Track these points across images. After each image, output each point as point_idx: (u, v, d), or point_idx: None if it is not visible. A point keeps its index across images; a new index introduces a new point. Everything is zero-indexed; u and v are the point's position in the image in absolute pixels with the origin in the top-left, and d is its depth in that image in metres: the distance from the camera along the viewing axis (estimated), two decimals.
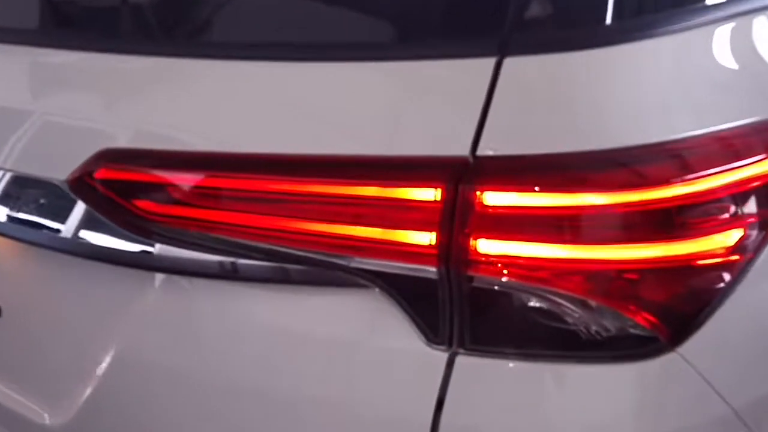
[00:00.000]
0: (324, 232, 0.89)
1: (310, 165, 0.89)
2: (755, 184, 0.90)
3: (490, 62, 0.86)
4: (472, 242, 0.84)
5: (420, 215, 0.86)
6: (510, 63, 0.85)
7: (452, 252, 0.85)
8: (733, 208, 0.88)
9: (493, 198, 0.84)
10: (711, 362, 0.88)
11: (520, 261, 0.84)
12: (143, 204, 0.96)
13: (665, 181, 0.83)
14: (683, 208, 0.85)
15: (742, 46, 0.94)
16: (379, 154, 0.88)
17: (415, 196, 0.86)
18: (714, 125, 0.88)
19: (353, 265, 0.89)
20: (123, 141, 1.01)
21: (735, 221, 0.88)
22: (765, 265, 0.90)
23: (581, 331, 0.85)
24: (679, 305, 0.87)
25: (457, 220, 0.84)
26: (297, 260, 0.90)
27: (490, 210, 0.84)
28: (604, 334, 0.86)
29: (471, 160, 0.84)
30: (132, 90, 1.04)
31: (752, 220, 0.89)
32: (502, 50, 0.86)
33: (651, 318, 0.86)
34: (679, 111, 0.88)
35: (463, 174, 0.84)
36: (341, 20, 0.95)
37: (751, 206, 0.89)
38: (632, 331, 0.86)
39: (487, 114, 0.85)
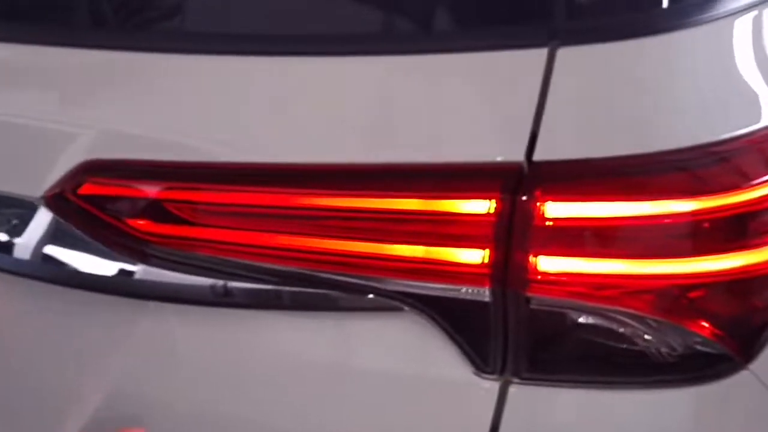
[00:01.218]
0: (358, 252, 0.78)
1: (342, 176, 0.78)
2: None
3: (541, 53, 0.75)
4: (532, 259, 0.74)
5: (470, 230, 0.75)
6: (565, 53, 0.75)
7: (509, 271, 0.74)
8: None
9: (555, 209, 0.74)
10: None
11: (587, 279, 0.75)
12: (137, 223, 0.83)
13: (744, 182, 0.75)
14: (758, 213, 0.77)
15: None
16: (421, 161, 0.77)
17: (463, 209, 0.76)
18: None
19: (390, 287, 0.78)
20: (102, 150, 0.87)
21: None
22: None
23: (651, 353, 0.76)
24: (751, 319, 0.79)
25: (515, 234, 0.74)
26: (327, 284, 0.78)
27: (552, 222, 0.74)
28: (675, 354, 0.77)
29: (526, 166, 0.74)
30: (105, 88, 0.90)
31: None
32: (553, 39, 0.75)
33: (722, 334, 0.78)
34: (743, 102, 0.80)
35: (518, 182, 0.74)
36: (364, 8, 0.83)
37: None
38: (702, 349, 0.78)
39: (542, 113, 0.75)
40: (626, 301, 0.75)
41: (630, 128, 0.76)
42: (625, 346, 0.77)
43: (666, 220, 0.74)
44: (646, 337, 0.76)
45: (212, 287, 0.82)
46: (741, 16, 0.81)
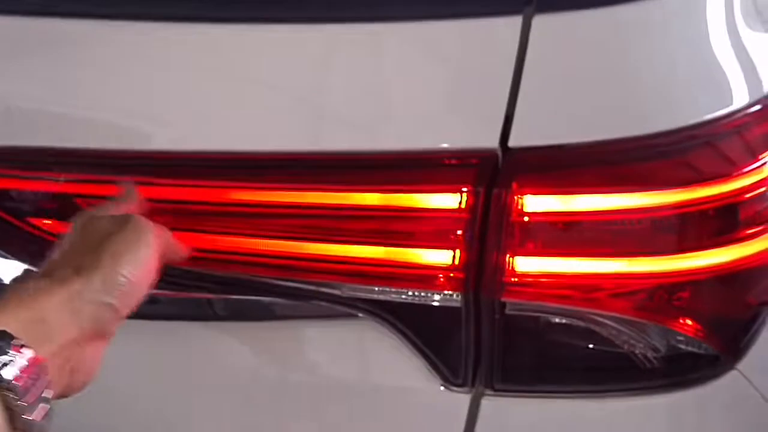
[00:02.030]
0: (308, 254, 0.67)
1: (285, 166, 0.67)
2: None
3: (515, 22, 0.65)
4: (508, 260, 0.65)
5: (438, 228, 0.66)
6: (541, 21, 0.65)
7: (483, 273, 0.65)
8: None
9: (534, 202, 0.65)
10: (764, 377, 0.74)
11: (568, 280, 0.66)
12: (42, 223, 0.70)
13: (733, 169, 0.67)
14: (747, 202, 0.69)
15: None
16: (380, 149, 0.66)
17: (429, 203, 0.66)
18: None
19: (347, 294, 0.68)
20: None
21: None
22: None
23: (635, 358, 0.69)
24: (738, 315, 0.73)
25: (490, 232, 0.64)
26: (274, 292, 0.68)
27: (531, 218, 0.65)
28: (660, 357, 0.70)
29: (500, 153, 0.65)
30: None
31: None
32: (527, 4, 0.65)
33: (708, 332, 0.71)
34: (716, 83, 0.72)
35: (493, 172, 0.64)
36: None
37: None
38: (688, 349, 0.71)
39: (517, 92, 0.65)
40: (610, 303, 0.68)
41: (613, 108, 0.67)
42: (607, 351, 0.69)
43: (653, 213, 0.66)
44: (631, 340, 0.69)
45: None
46: None
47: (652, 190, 0.65)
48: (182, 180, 0.70)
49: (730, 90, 0.71)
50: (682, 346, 0.71)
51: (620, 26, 0.69)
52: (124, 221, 0.61)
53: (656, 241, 0.67)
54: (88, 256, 0.58)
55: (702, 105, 0.68)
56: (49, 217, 0.71)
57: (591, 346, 0.69)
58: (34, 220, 0.71)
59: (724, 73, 0.71)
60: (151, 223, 0.62)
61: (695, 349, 0.71)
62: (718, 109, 0.69)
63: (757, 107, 0.70)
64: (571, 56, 0.67)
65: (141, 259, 0.59)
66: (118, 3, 0.73)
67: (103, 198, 0.70)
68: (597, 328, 0.69)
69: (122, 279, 0.57)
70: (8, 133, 0.73)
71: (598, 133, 0.66)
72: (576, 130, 0.66)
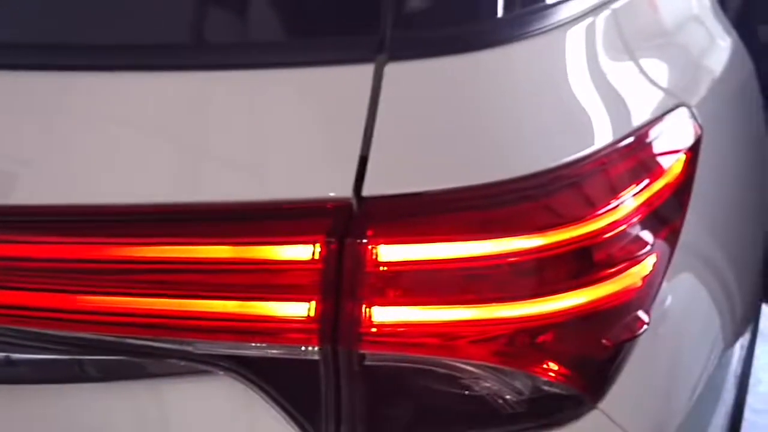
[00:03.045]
0: (160, 310, 0.64)
1: (134, 219, 0.64)
2: (660, 199, 0.77)
3: (368, 69, 0.65)
4: (365, 310, 0.64)
5: (292, 280, 0.64)
6: (393, 69, 0.65)
7: (339, 325, 0.64)
8: (645, 233, 0.74)
9: (389, 252, 0.64)
10: (629, 415, 0.75)
11: (427, 329, 0.66)
12: None
13: (591, 210, 0.68)
14: (606, 242, 0.70)
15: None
16: (230, 200, 0.64)
17: (283, 255, 0.64)
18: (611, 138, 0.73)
19: (201, 350, 0.65)
20: None
21: (647, 248, 0.74)
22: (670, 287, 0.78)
23: (499, 404, 0.69)
24: (597, 355, 0.73)
25: (345, 283, 0.63)
26: (126, 350, 0.65)
27: (387, 267, 0.64)
28: (523, 400, 0.70)
29: (355, 202, 0.64)
30: None
31: (660, 241, 0.77)
32: (379, 53, 0.65)
33: (569, 373, 0.72)
34: (588, 119, 0.73)
35: (347, 222, 0.63)
36: (171, 15, 0.69)
37: (656, 226, 0.77)
38: (551, 390, 0.71)
39: (370, 140, 0.64)
40: (469, 350, 0.67)
41: (470, 155, 0.67)
42: (470, 397, 0.69)
43: (509, 259, 0.66)
44: (493, 386, 0.69)
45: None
46: (579, 23, 0.74)
47: (509, 235, 0.65)
48: (33, 236, 0.66)
49: (592, 129, 0.72)
50: (546, 388, 0.71)
51: (475, 72, 0.69)
52: None
53: (514, 286, 0.67)
54: None
55: (562, 146, 0.69)
56: None
57: (453, 393, 0.68)
58: None
59: (585, 113, 0.72)
60: None
61: (558, 390, 0.71)
62: (579, 150, 0.69)
63: (627, 141, 0.71)
64: (426, 103, 0.67)
65: None
66: None
67: None
68: (459, 375, 0.68)
69: None
70: None
71: (454, 180, 0.66)
72: (432, 177, 0.66)
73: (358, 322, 0.64)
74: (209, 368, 0.66)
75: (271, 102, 0.66)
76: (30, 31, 0.71)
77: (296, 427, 0.67)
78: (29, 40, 0.70)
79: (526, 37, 0.71)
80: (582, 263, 0.70)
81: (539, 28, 0.71)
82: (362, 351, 0.65)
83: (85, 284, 0.65)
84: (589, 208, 0.69)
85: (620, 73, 0.80)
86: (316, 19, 0.68)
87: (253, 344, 0.65)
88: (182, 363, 0.66)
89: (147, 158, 0.66)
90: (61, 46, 0.69)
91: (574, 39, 0.74)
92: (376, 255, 0.64)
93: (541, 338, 0.70)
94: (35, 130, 0.68)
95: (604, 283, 0.70)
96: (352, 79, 0.65)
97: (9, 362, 0.67)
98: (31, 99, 0.68)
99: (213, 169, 0.65)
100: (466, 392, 0.68)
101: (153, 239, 0.64)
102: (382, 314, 0.65)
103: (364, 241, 0.63)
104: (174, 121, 0.66)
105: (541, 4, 0.74)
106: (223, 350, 0.66)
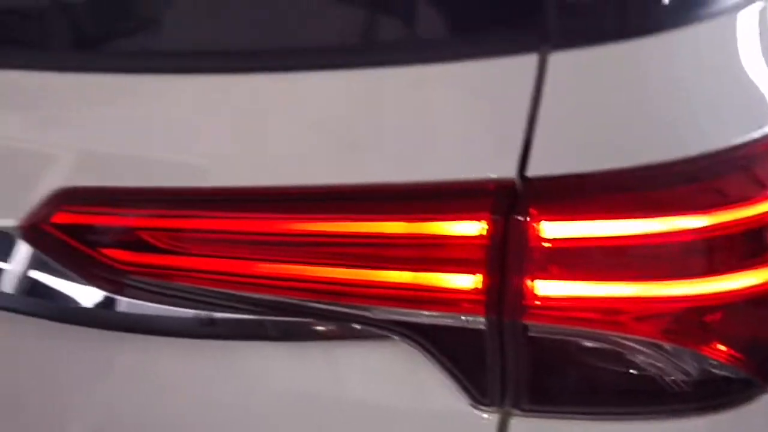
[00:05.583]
0: (343, 278, 0.72)
1: (319, 199, 0.72)
2: None
3: (531, 59, 0.69)
4: (528, 284, 0.68)
5: (461, 254, 0.70)
6: (557, 58, 0.69)
7: (504, 297, 0.68)
8: None
9: (551, 229, 0.68)
10: None
11: (590, 303, 0.69)
12: (113, 252, 0.78)
13: (761, 192, 0.68)
14: None
15: None
16: (404, 181, 0.71)
17: (453, 231, 0.70)
18: None
19: (377, 316, 0.72)
20: (79, 175, 0.82)
21: None
22: None
23: (663, 381, 0.70)
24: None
25: (510, 257, 0.68)
26: (306, 313, 0.73)
27: (550, 243, 0.68)
28: (689, 381, 0.70)
29: (519, 182, 0.68)
30: (81, 114, 0.85)
31: None
32: (544, 43, 0.69)
33: (741, 357, 0.72)
34: (755, 103, 0.73)
35: (511, 201, 0.68)
36: (343, 17, 0.78)
37: None
38: (720, 373, 0.71)
39: (534, 125, 0.68)
40: (634, 326, 0.69)
41: (633, 137, 0.69)
42: (634, 373, 0.71)
43: (676, 238, 0.67)
44: (658, 363, 0.70)
45: (194, 318, 0.78)
46: (745, 8, 0.74)
47: (671, 215, 0.66)
48: (234, 213, 0.77)
49: (761, 112, 0.72)
50: (714, 370, 0.71)
51: (643, 57, 0.71)
52: None
53: (680, 264, 0.68)
54: None
55: (730, 129, 0.70)
56: (116, 248, 0.79)
57: (617, 368, 0.71)
58: (105, 250, 0.79)
59: (755, 96, 0.72)
60: None
61: (727, 373, 0.72)
62: (748, 133, 0.70)
63: None
64: (589, 89, 0.70)
65: None
66: (179, 58, 0.81)
67: (164, 231, 0.78)
68: (622, 351, 0.70)
69: None
70: (87, 174, 0.82)
71: (616, 162, 0.68)
72: (594, 158, 0.69)
73: (521, 294, 0.69)
74: (384, 333, 0.72)
75: (442, 92, 0.72)
76: (232, 38, 0.82)
77: (462, 392, 0.72)
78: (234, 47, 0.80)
79: (694, 22, 0.72)
80: (753, 245, 0.70)
81: (708, 13, 0.71)
82: (525, 322, 0.69)
83: (282, 254, 0.74)
84: (759, 189, 0.69)
85: None
86: (484, 14, 0.73)
87: (425, 312, 0.71)
88: (360, 328, 0.73)
89: (335, 146, 0.75)
90: (259, 52, 0.79)
91: (743, 23, 0.74)
92: (539, 231, 0.68)
93: (709, 318, 0.70)
94: (243, 127, 0.77)
95: None
96: (518, 68, 0.70)
97: (211, 321, 0.77)
98: (245, 98, 0.78)
99: (390, 154, 0.72)
100: (630, 368, 0.70)
101: (339, 216, 0.72)
102: (545, 288, 0.68)
103: (528, 218, 0.68)
104: (356, 113, 0.74)
105: None
106: (397, 317, 0.72)
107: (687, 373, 0.71)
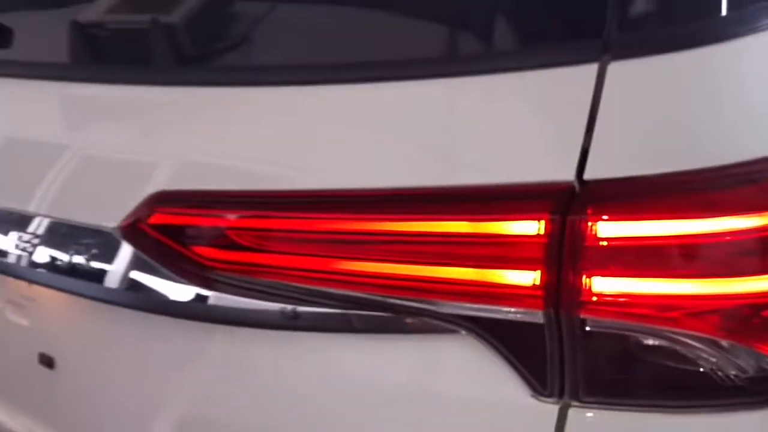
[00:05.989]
0: (409, 275, 0.78)
1: (390, 200, 0.78)
2: None
3: (591, 69, 0.74)
4: (585, 280, 0.72)
5: (521, 252, 0.74)
6: (616, 68, 0.73)
7: (562, 293, 0.73)
8: None
9: (607, 228, 0.72)
10: None
11: (645, 300, 0.72)
12: (203, 250, 0.86)
13: None
14: None
15: None
16: (468, 184, 0.76)
17: (513, 230, 0.75)
18: None
19: (444, 310, 0.77)
20: (174, 180, 0.91)
21: None
22: None
23: (718, 376, 0.73)
24: None
25: (567, 255, 0.72)
26: (380, 307, 0.79)
27: (605, 242, 0.72)
28: (745, 377, 0.73)
29: (577, 185, 0.72)
30: (177, 124, 0.94)
31: None
32: (604, 54, 0.73)
33: None
34: None
35: (569, 202, 0.72)
36: (416, 34, 0.84)
37: None
38: None
39: (592, 131, 0.73)
40: (689, 322, 0.72)
41: (687, 143, 0.73)
42: (689, 368, 0.74)
43: (728, 238, 0.70)
44: (712, 359, 0.73)
45: (280, 311, 0.84)
46: None
47: (725, 215, 0.70)
48: (314, 214, 0.83)
49: None
50: (762, 365, 0.74)
51: (699, 66, 0.74)
52: None
53: (735, 263, 0.71)
54: None
55: None
56: (206, 246, 0.87)
57: (671, 362, 0.74)
58: (196, 248, 0.87)
59: None
60: None
61: None
62: None
63: None
64: (646, 97, 0.74)
65: None
66: (269, 72, 0.89)
67: (250, 230, 0.85)
68: (677, 346, 0.74)
69: None
70: (182, 179, 0.90)
71: (669, 165, 0.72)
72: (649, 162, 0.73)
73: (578, 290, 0.73)
74: (452, 327, 0.78)
75: (510, 100, 0.77)
76: (323, 52, 0.89)
77: (524, 383, 0.77)
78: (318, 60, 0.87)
79: (752, 32, 0.75)
80: None
81: (761, 26, 0.74)
82: (582, 316, 0.73)
83: (358, 252, 0.80)
84: None
85: None
86: (549, 28, 0.78)
87: (487, 306, 0.76)
88: (430, 322, 0.78)
89: (413, 151, 0.80)
90: (346, 65, 0.86)
91: None
92: (595, 231, 0.72)
93: (765, 315, 0.73)
94: (327, 134, 0.84)
95: None
96: (579, 77, 0.74)
97: (295, 314, 0.84)
98: (331, 107, 0.85)
99: (462, 158, 0.77)
100: (685, 363, 0.73)
101: (411, 216, 0.78)
102: (600, 284, 0.73)
103: (584, 218, 0.72)
104: (434, 120, 0.80)
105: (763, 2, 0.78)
106: (463, 311, 0.77)
107: (742, 369, 0.73)
